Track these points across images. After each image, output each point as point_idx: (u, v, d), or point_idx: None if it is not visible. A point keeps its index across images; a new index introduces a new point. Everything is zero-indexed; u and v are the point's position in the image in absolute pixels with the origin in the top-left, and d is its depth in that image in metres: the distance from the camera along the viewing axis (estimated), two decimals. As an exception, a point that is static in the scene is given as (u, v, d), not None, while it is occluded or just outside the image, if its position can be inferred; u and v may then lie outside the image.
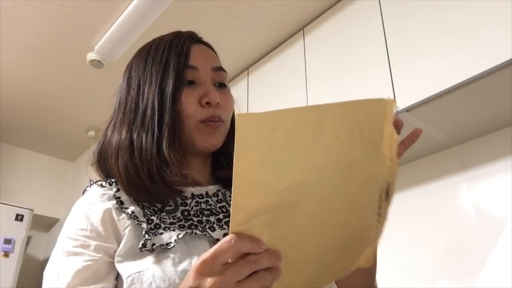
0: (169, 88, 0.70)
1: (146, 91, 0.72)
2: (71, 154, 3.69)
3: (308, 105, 0.42)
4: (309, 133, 0.43)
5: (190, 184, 0.69)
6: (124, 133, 0.70)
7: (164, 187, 0.67)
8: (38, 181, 3.58)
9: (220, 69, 0.76)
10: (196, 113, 0.70)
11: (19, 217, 2.90)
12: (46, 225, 3.61)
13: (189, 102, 0.70)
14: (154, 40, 0.78)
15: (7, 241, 2.79)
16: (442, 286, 1.60)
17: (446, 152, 1.77)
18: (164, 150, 0.67)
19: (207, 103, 0.71)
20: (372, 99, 0.47)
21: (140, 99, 0.72)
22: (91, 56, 2.39)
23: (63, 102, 2.92)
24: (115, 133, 0.72)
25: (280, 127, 0.41)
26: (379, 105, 0.49)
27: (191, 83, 0.72)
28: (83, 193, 0.72)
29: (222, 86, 0.76)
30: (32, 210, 3.00)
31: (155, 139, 0.68)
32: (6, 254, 2.76)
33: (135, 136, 0.69)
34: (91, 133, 3.20)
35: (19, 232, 2.87)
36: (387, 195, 0.52)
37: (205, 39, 0.81)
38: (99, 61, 2.41)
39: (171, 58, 0.72)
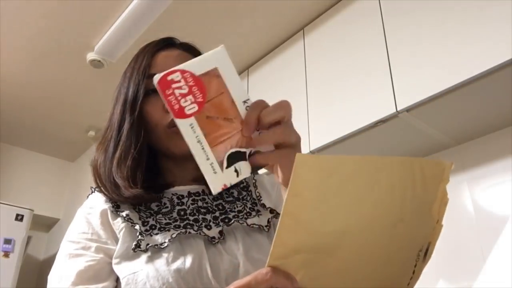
0: (129, 103, 0.71)
1: (114, 110, 0.75)
2: (71, 154, 3.69)
3: (365, 156, 0.42)
4: (364, 184, 0.44)
5: (150, 193, 0.70)
6: (96, 153, 0.74)
7: (123, 199, 0.68)
8: (38, 181, 3.57)
9: None
10: (162, 120, 0.70)
11: (19, 217, 2.90)
12: (46, 225, 3.60)
13: (154, 111, 0.71)
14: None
15: (7, 241, 2.79)
16: (442, 286, 1.60)
17: (446, 152, 1.77)
18: (114, 165, 0.69)
19: None
20: (431, 160, 0.48)
21: (111, 118, 0.75)
22: (91, 56, 2.39)
23: (63, 102, 2.92)
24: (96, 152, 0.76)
25: (336, 172, 0.42)
26: (437, 167, 0.49)
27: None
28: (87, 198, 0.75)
29: None
30: (32, 210, 3.00)
31: (109, 154, 0.71)
32: (6, 254, 2.75)
33: (99, 153, 0.73)
34: (91, 133, 3.20)
35: (19, 232, 2.86)
36: (425, 254, 0.52)
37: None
38: (99, 61, 2.41)
39: (134, 73, 0.73)
